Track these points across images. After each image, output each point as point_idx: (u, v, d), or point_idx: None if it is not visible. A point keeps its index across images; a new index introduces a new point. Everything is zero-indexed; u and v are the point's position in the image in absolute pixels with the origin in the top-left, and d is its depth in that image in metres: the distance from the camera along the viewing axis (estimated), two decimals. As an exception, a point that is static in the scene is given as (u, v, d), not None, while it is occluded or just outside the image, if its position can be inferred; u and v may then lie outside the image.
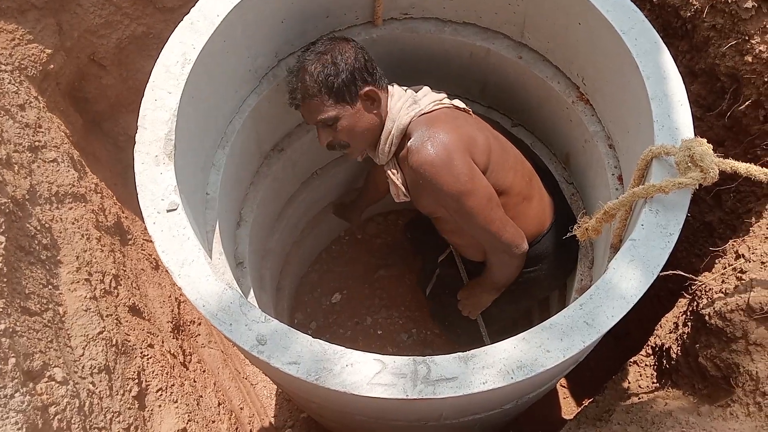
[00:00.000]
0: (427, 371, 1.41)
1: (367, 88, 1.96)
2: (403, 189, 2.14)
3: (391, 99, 2.02)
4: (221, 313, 1.48)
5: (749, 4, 1.67)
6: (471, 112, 2.14)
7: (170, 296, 2.84)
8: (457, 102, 2.11)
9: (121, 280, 2.35)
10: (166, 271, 2.98)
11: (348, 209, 3.11)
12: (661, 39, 1.74)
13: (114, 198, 2.77)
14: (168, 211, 1.57)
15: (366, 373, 1.41)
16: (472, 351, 1.44)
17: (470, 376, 1.39)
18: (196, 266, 1.52)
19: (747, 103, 1.80)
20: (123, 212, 2.81)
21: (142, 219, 3.04)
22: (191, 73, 1.71)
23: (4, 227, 1.69)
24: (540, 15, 2.05)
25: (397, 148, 2.06)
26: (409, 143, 1.95)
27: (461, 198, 1.89)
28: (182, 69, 1.70)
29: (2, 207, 1.71)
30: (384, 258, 3.55)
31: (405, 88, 2.10)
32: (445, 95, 2.09)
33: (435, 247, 2.80)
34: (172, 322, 2.70)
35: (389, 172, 2.14)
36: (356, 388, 1.39)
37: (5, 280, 1.62)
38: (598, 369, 2.98)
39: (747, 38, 1.72)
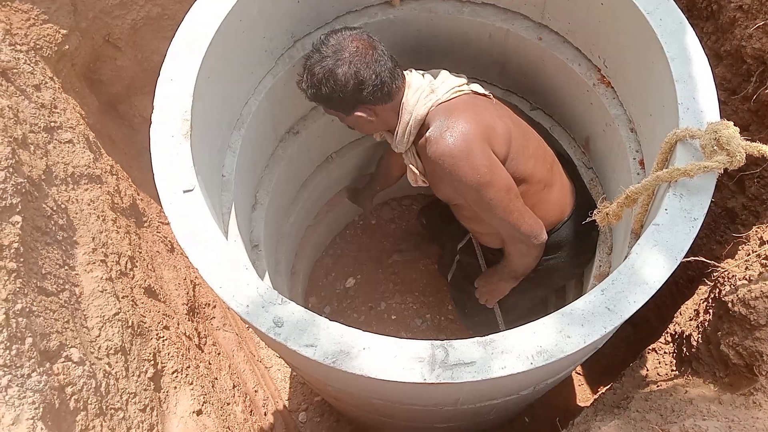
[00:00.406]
0: (445, 355, 1.39)
1: (357, 113, 1.95)
2: (422, 176, 2.12)
3: (409, 90, 1.97)
4: (239, 294, 1.47)
5: (779, -17, 1.63)
6: (492, 97, 2.10)
7: (185, 278, 2.84)
8: (476, 87, 2.06)
9: (137, 261, 2.35)
10: (182, 253, 3.00)
11: (360, 194, 3.09)
12: (686, 19, 1.69)
13: (129, 180, 2.76)
14: (185, 191, 1.56)
15: (383, 357, 1.40)
16: (491, 336, 1.42)
17: (489, 360, 1.38)
18: (214, 248, 1.51)
19: (774, 85, 1.76)
20: (138, 194, 2.81)
21: (157, 201, 3.04)
22: (207, 53, 1.69)
23: (20, 207, 1.69)
24: (561, -4, 2.01)
25: (416, 137, 2.03)
26: (427, 133, 1.92)
27: (480, 189, 1.87)
28: (198, 48, 1.68)
29: (19, 187, 1.71)
30: (398, 243, 3.54)
31: (423, 73, 2.05)
32: (465, 80, 2.05)
33: (451, 234, 2.78)
34: (187, 305, 2.70)
35: (407, 160, 2.12)
36: (373, 371, 1.38)
37: (22, 260, 1.62)
38: (614, 356, 2.96)
39: (776, 18, 1.68)
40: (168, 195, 1.56)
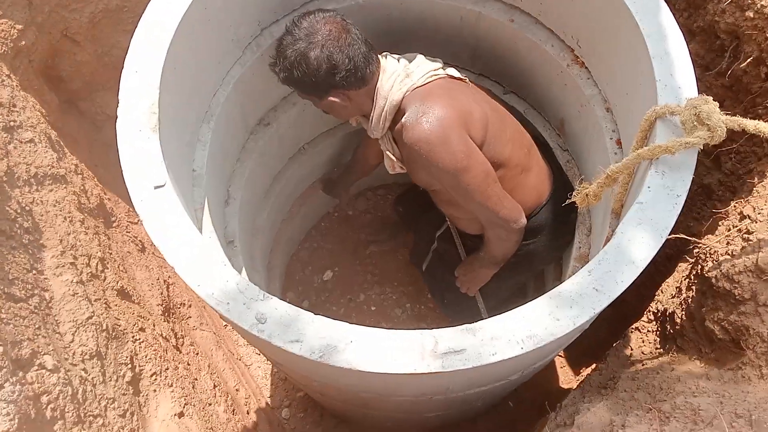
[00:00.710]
0: (434, 344, 1.36)
1: (331, 98, 1.91)
2: (399, 163, 2.09)
3: (384, 74, 1.93)
4: (218, 292, 1.42)
5: (751, -43, 1.62)
6: (468, 81, 2.07)
7: (158, 278, 2.77)
8: (452, 71, 2.04)
9: (108, 263, 2.27)
10: (154, 253, 2.92)
11: (335, 184, 3.04)
12: (660, -4, 1.68)
13: (95, 179, 2.67)
14: (155, 187, 1.49)
15: (371, 349, 1.36)
16: (480, 322, 1.39)
17: (479, 347, 1.35)
18: (189, 244, 1.46)
19: (748, 60, 1.76)
20: (105, 194, 2.72)
21: (125, 201, 2.97)
22: (172, 43, 1.62)
23: (-18, 211, 1.61)
24: (533, -25, 1.98)
25: (392, 123, 2.00)
26: (403, 119, 1.88)
27: (458, 174, 1.85)
28: (163, 38, 1.61)
29: (-21, 190, 1.63)
30: (375, 234, 3.50)
31: (398, 57, 2.01)
32: (441, 64, 2.02)
33: (428, 222, 2.75)
34: (162, 305, 2.63)
35: (384, 146, 2.08)
36: (362, 364, 1.34)
37: (-13, 266, 1.55)
38: (594, 337, 2.97)
39: (748, -8, 1.67)
40: (138, 191, 1.50)
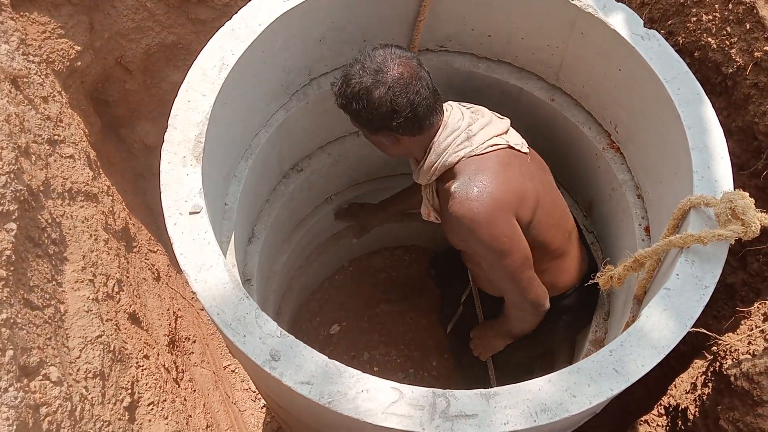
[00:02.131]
0: (446, 405, 1.34)
1: (380, 136, 1.85)
2: (435, 213, 2.06)
3: (444, 130, 1.85)
4: (236, 323, 1.42)
5: (794, 65, 1.67)
6: (529, 153, 2.00)
7: (169, 309, 2.76)
8: (516, 137, 1.96)
9: (124, 286, 2.27)
10: (168, 283, 2.93)
11: (368, 212, 2.92)
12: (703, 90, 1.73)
13: (123, 204, 2.71)
14: (191, 213, 1.52)
15: (381, 401, 1.34)
16: (495, 389, 1.37)
17: (492, 414, 1.32)
18: (215, 272, 1.47)
19: (784, 164, 1.79)
20: (131, 219, 2.75)
21: (148, 228, 3.00)
22: (227, 79, 1.68)
23: (17, 215, 1.63)
24: (579, 59, 2.04)
25: (439, 177, 1.94)
26: (453, 188, 1.82)
27: (496, 255, 1.82)
28: (219, 73, 1.67)
29: (18, 194, 1.66)
30: (387, 293, 3.48)
31: (465, 108, 1.93)
32: (507, 125, 1.96)
33: (456, 286, 2.72)
34: (168, 336, 2.61)
35: (424, 192, 2.05)
36: (370, 415, 1.32)
37: (12, 268, 1.55)
38: (600, 427, 2.89)
39: (789, 99, 1.71)
40: (173, 214, 1.52)
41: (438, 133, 1.85)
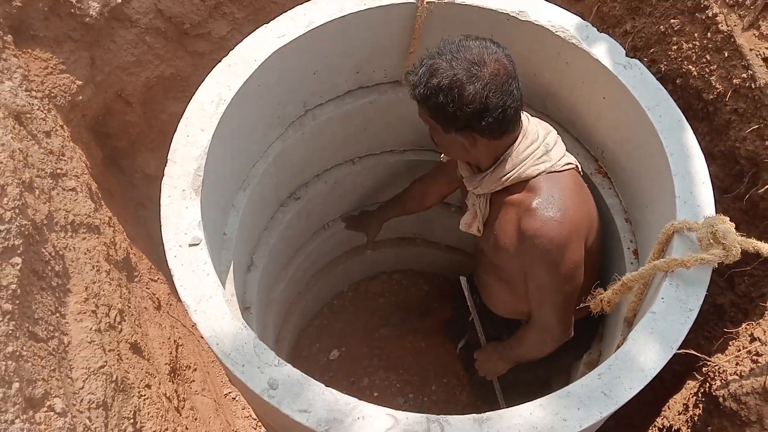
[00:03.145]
0: (440, 431, 1.37)
1: (459, 136, 1.70)
2: (480, 224, 1.96)
3: (523, 139, 1.74)
4: (235, 353, 1.46)
5: (772, 92, 1.73)
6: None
7: (169, 338, 2.79)
8: (570, 156, 1.87)
9: (126, 316, 2.31)
10: (168, 312, 2.96)
11: (368, 218, 2.81)
12: (684, 117, 1.79)
13: (125, 234, 2.76)
14: (190, 245, 1.57)
15: (377, 428, 1.38)
16: (487, 414, 1.41)
17: (484, 438, 1.36)
18: (214, 303, 1.51)
19: (766, 187, 1.83)
20: (131, 248, 2.80)
21: (149, 258, 3.04)
22: (225, 114, 1.74)
23: (22, 249, 1.68)
24: (564, 87, 2.11)
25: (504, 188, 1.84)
26: (534, 203, 1.72)
27: (557, 279, 1.78)
28: (216, 108, 1.73)
29: (22, 229, 1.71)
30: (386, 317, 3.52)
31: (537, 126, 1.82)
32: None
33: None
34: (169, 365, 2.64)
35: (473, 201, 1.94)
36: (366, 441, 1.35)
37: (17, 302, 1.60)
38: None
39: (769, 124, 1.77)
40: (173, 246, 1.57)
41: (517, 142, 1.74)
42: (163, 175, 1.66)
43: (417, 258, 3.65)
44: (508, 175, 1.76)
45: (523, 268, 1.88)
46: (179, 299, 3.19)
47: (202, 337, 3.34)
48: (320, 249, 3.01)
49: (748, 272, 1.99)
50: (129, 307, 2.43)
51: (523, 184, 1.77)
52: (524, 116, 1.78)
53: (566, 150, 2.06)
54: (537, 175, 1.75)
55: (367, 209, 2.89)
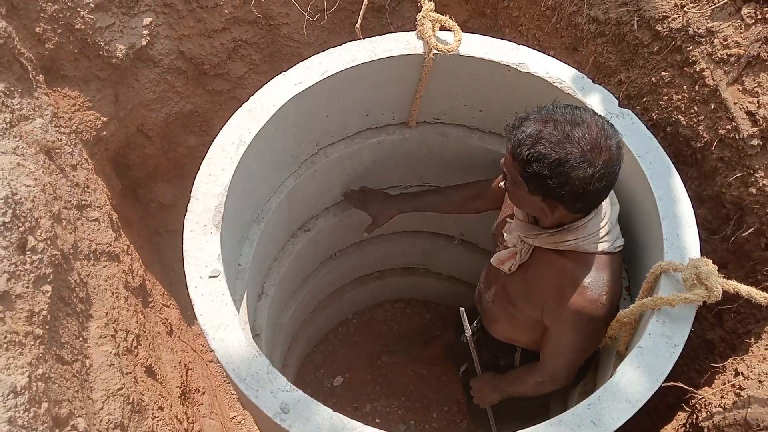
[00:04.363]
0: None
1: (543, 202, 1.67)
2: (512, 265, 1.96)
3: (595, 216, 1.75)
4: (249, 378, 1.57)
5: (755, 142, 1.85)
6: None
7: (180, 362, 2.90)
8: (621, 238, 1.88)
9: (142, 340, 2.43)
10: (179, 337, 3.07)
11: (387, 199, 2.57)
12: (672, 165, 1.91)
13: (140, 260, 2.88)
14: (210, 277, 1.68)
15: (382, 451, 1.48)
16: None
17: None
18: (231, 331, 1.63)
19: (750, 230, 1.95)
20: (146, 275, 2.92)
21: (162, 284, 3.16)
22: (244, 154, 1.87)
23: (52, 277, 1.80)
24: (562, 132, 2.24)
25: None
26: (586, 281, 1.76)
27: (581, 343, 1.89)
28: (237, 150, 1.86)
29: (53, 258, 1.83)
30: (389, 345, 3.62)
31: (608, 201, 1.80)
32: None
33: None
34: (180, 388, 2.74)
35: (517, 244, 1.93)
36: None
37: (47, 327, 1.72)
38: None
39: (752, 172, 1.88)
40: (194, 279, 1.69)
41: (588, 216, 1.74)
42: (186, 211, 1.78)
43: (420, 287, 3.76)
44: (567, 243, 1.76)
45: (546, 320, 1.94)
46: (190, 324, 3.32)
47: (211, 362, 3.46)
48: (327, 278, 3.13)
49: (735, 309, 2.09)
50: (144, 331, 2.54)
51: (576, 254, 1.79)
52: None
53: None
54: (593, 253, 1.77)
55: (367, 187, 2.66)
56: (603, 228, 1.76)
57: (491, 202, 2.31)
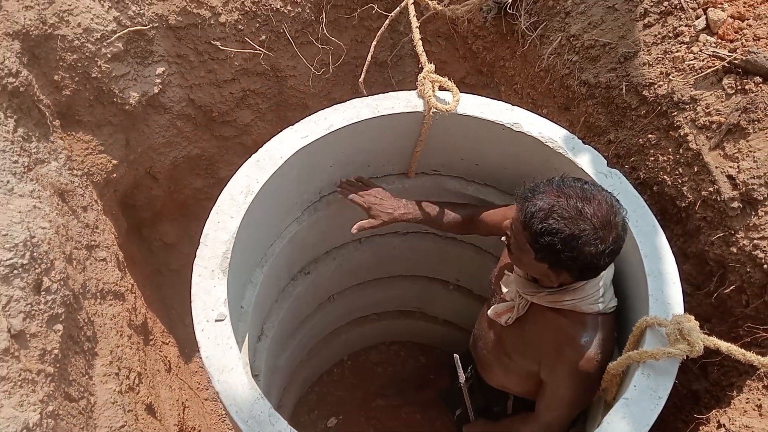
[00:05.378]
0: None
1: (551, 270, 1.72)
2: (511, 320, 2.04)
3: (593, 279, 1.81)
4: (251, 420, 1.63)
5: (735, 204, 1.96)
6: None
7: (178, 400, 2.94)
8: (615, 298, 1.96)
9: (143, 378, 2.49)
10: (177, 374, 3.12)
11: (398, 200, 2.30)
12: (658, 223, 2.01)
13: (143, 299, 2.95)
14: (216, 321, 1.76)
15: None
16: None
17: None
18: (235, 374, 1.70)
19: (732, 287, 2.04)
20: (148, 313, 2.99)
21: (162, 321, 3.23)
22: (252, 203, 1.96)
23: (64, 317, 1.88)
24: (554, 187, 2.34)
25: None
26: (582, 340, 1.85)
27: (575, 398, 1.95)
28: (245, 198, 1.96)
29: (65, 298, 1.91)
30: (383, 387, 3.66)
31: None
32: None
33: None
34: (178, 426, 2.79)
35: (515, 298, 2.00)
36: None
37: (58, 365, 1.79)
38: None
39: (733, 232, 1.98)
40: (201, 322, 1.77)
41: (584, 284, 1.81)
42: (195, 256, 1.87)
43: (416, 330, 3.82)
44: (565, 303, 1.84)
45: (542, 374, 2.01)
46: (187, 362, 3.37)
47: (206, 399, 3.50)
48: (324, 319, 3.20)
49: (718, 362, 2.17)
50: (145, 369, 2.60)
51: (573, 313, 1.86)
52: None
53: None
54: (589, 314, 1.85)
55: (365, 179, 2.40)
56: (600, 290, 1.84)
57: (480, 230, 2.31)
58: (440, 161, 2.50)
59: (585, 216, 1.59)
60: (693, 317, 1.73)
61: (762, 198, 1.92)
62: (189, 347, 3.39)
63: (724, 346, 1.67)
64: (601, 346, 1.86)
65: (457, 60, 3.08)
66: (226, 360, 1.72)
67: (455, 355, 2.37)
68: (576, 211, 1.60)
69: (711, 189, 2.02)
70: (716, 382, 2.24)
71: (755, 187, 1.92)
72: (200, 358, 1.76)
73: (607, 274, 1.88)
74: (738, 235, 1.99)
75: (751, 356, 1.64)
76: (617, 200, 1.68)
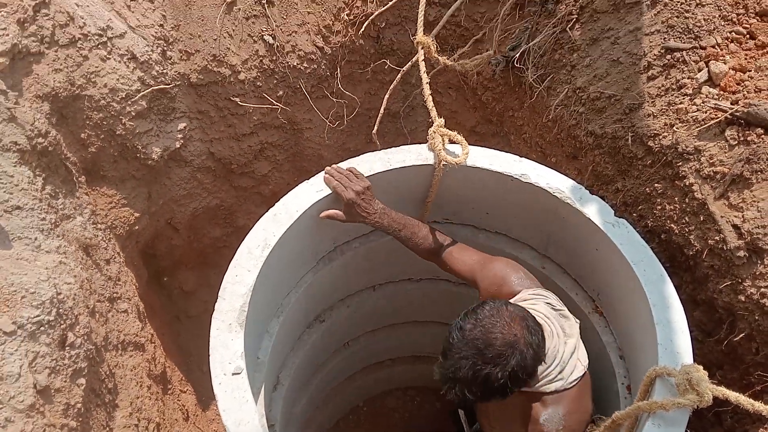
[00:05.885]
0: None
1: (502, 396, 1.79)
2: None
3: (542, 364, 1.85)
4: (268, 473, 1.67)
5: (741, 254, 1.99)
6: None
7: (195, 449, 2.98)
8: (581, 362, 1.99)
9: (162, 428, 2.53)
10: (195, 423, 3.16)
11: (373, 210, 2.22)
12: (666, 272, 2.04)
13: (162, 347, 3.01)
14: (233, 374, 1.81)
15: None
16: None
17: None
18: (251, 428, 1.74)
19: (741, 335, 2.05)
20: (167, 361, 3.04)
21: (180, 370, 3.28)
22: (268, 256, 2.03)
23: (86, 371, 1.94)
24: (562, 238, 2.39)
25: None
26: (542, 419, 1.90)
27: None
28: (262, 252, 2.03)
29: (88, 353, 1.98)
30: (399, 434, 3.66)
31: (555, 324, 1.96)
32: (576, 326, 2.04)
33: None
34: (194, 476, 2.82)
35: None
36: None
37: (80, 419, 1.85)
38: None
39: (740, 280, 2.01)
40: (218, 375, 1.82)
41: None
42: (213, 310, 1.93)
43: (430, 376, 3.81)
44: (522, 389, 1.87)
45: None
46: (204, 410, 3.41)
47: (225, 449, 3.50)
48: (339, 366, 3.23)
49: (731, 410, 2.17)
50: (164, 419, 2.64)
51: (533, 394, 1.92)
52: (547, 332, 1.87)
53: (566, 287, 2.34)
54: (549, 393, 1.90)
55: (358, 171, 2.25)
56: (553, 371, 1.89)
57: (443, 266, 2.33)
58: (451, 210, 2.56)
59: (484, 359, 1.72)
60: (701, 367, 1.75)
61: (767, 247, 1.95)
62: (206, 394, 3.43)
63: (732, 396, 1.68)
64: (564, 420, 1.90)
65: (468, 110, 3.17)
66: (242, 413, 1.77)
67: (460, 410, 2.40)
68: (473, 360, 1.74)
69: (717, 238, 2.05)
70: (730, 429, 2.23)
71: (760, 236, 1.95)
72: (217, 406, 1.80)
73: (564, 349, 1.93)
74: (745, 284, 2.01)
75: (760, 406, 1.65)
76: (515, 319, 1.78)
